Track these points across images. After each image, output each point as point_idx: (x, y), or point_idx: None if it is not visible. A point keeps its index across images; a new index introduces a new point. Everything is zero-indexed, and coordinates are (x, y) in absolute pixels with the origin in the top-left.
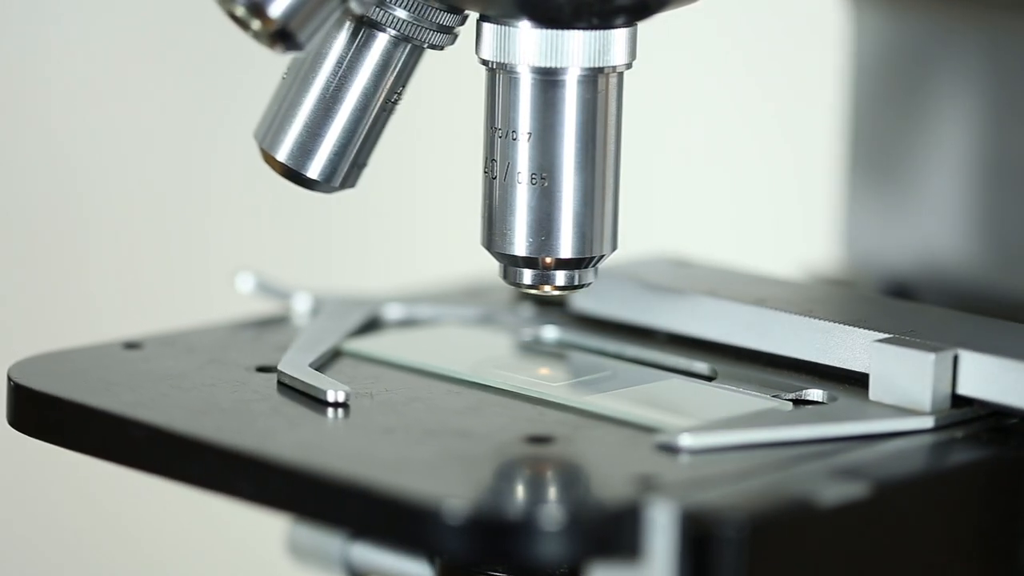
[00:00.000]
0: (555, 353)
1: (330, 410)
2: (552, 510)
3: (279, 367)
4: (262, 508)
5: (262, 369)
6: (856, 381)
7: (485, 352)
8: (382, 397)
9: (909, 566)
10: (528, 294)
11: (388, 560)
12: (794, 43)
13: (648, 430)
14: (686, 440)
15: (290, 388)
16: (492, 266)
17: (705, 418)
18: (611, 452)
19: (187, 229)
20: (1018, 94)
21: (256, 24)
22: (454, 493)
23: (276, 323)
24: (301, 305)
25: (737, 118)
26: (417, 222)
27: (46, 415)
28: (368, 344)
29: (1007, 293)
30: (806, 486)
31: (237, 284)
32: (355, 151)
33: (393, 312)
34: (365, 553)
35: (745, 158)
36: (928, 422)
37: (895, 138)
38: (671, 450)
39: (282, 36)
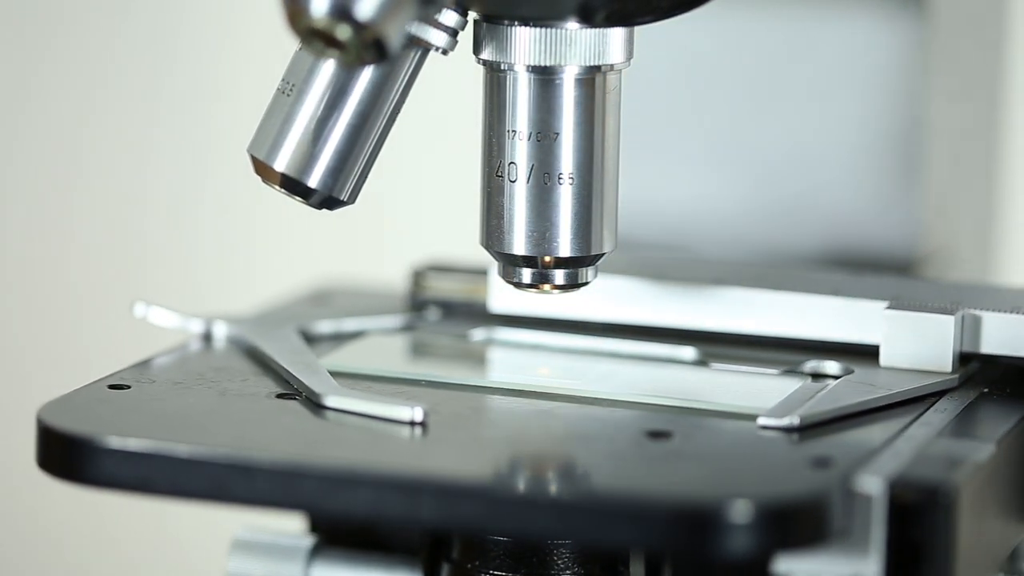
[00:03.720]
0: (532, 353)
1: (406, 429)
2: (764, 500)
3: (318, 391)
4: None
5: (282, 396)
6: (837, 350)
7: (466, 357)
8: (443, 412)
9: (997, 522)
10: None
11: None
12: None
13: (734, 416)
14: (795, 420)
15: (335, 411)
16: (337, 272)
17: (759, 399)
18: (735, 440)
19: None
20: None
21: (344, 32)
22: (673, 493)
23: (209, 350)
24: (220, 330)
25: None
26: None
27: (128, 466)
28: (341, 360)
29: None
30: (950, 450)
31: (136, 312)
32: (364, 162)
33: (322, 328)
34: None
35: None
36: (955, 381)
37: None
38: (779, 431)
39: (374, 43)
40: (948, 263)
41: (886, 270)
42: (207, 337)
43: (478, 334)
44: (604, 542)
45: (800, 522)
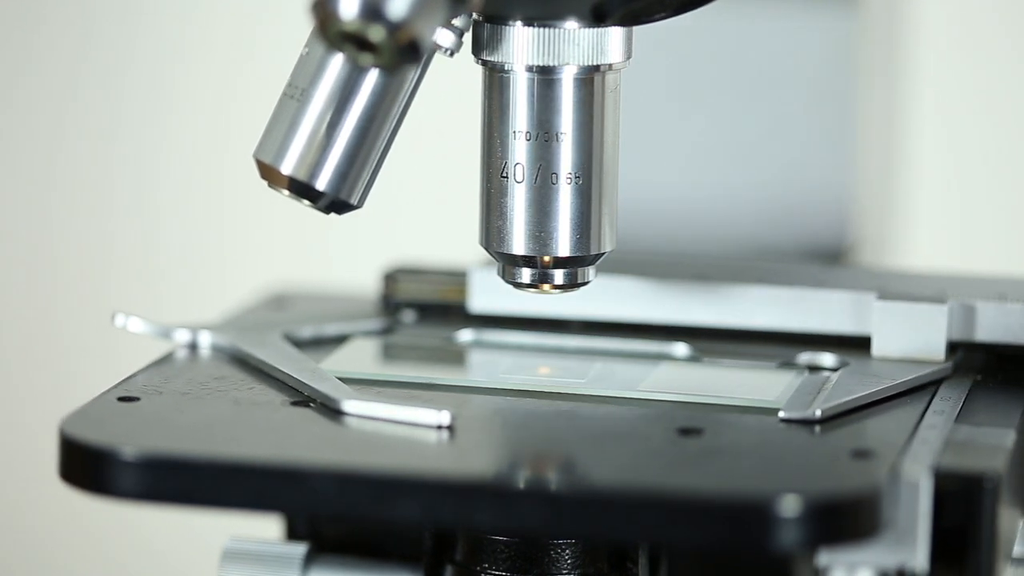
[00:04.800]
0: (527, 354)
1: (432, 433)
2: (819, 495)
3: (335, 398)
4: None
5: (295, 404)
6: (823, 342)
7: (462, 359)
8: (464, 415)
9: (1012, 509)
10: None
11: None
12: None
13: (752, 411)
14: (817, 412)
15: (355, 417)
16: (288, 277)
17: (768, 392)
18: (764, 434)
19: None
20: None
21: (377, 34)
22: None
23: (197, 359)
24: (205, 339)
25: None
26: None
27: (168, 478)
28: (337, 364)
29: None
30: (976, 437)
31: (116, 322)
32: (373, 164)
33: (303, 333)
34: None
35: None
36: (948, 369)
37: None
38: (801, 424)
39: (409, 45)
40: (875, 251)
41: (819, 259)
42: (192, 346)
43: (464, 335)
44: (660, 541)
45: (853, 515)
